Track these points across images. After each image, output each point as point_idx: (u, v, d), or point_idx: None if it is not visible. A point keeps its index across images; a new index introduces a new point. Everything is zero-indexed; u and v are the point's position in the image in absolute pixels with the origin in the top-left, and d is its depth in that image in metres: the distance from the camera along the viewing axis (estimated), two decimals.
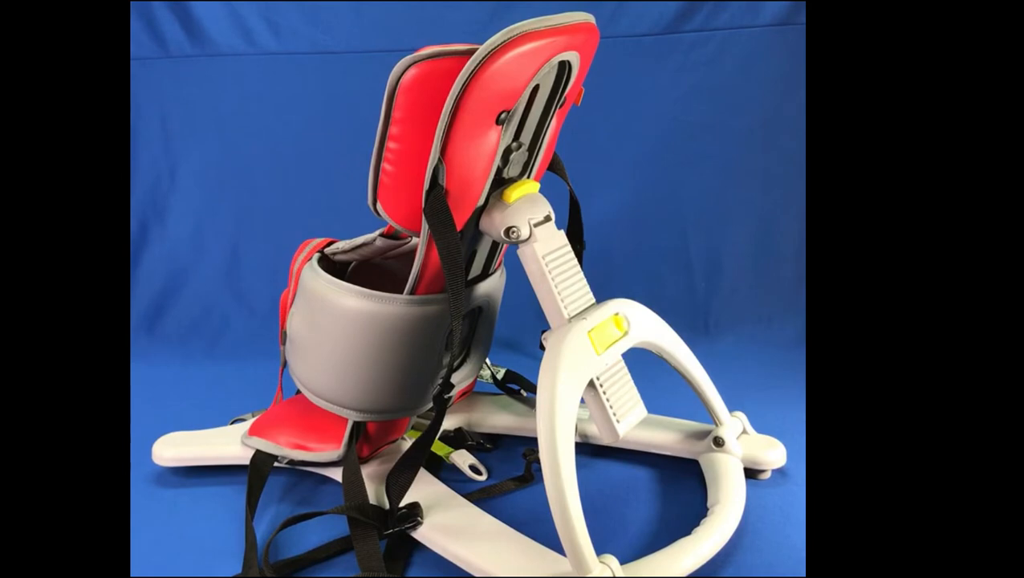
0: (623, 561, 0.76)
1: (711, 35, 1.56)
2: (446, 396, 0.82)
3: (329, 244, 0.96)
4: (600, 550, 0.74)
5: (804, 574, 0.81)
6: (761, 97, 1.59)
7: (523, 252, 0.82)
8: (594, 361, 0.80)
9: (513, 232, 0.81)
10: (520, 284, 0.88)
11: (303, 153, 1.68)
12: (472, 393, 1.16)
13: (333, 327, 0.86)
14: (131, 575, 0.82)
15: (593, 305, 0.86)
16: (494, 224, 0.81)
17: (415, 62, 0.71)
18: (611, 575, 0.72)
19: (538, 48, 0.71)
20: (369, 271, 1.00)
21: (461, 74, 0.69)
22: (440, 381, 0.82)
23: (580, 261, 0.89)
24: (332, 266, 0.95)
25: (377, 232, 0.91)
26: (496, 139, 0.76)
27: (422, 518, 0.86)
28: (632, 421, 0.84)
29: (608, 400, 0.81)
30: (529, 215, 0.81)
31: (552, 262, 0.83)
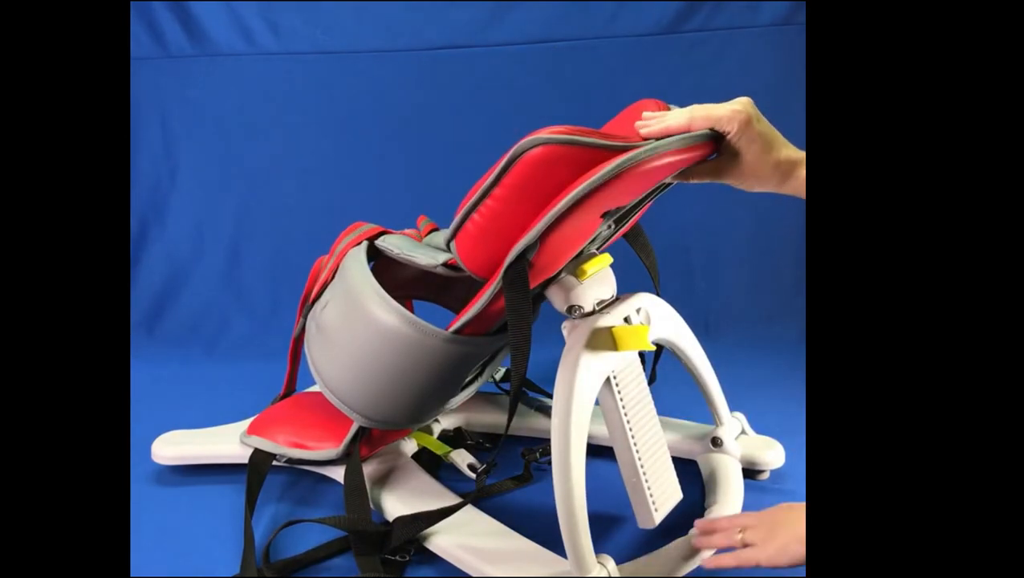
0: (620, 561, 0.76)
1: (711, 35, 1.56)
2: None
3: (381, 233, 0.93)
4: (597, 550, 0.74)
5: (803, 574, 0.81)
6: (761, 97, 1.58)
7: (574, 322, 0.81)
8: (614, 357, 0.79)
9: (576, 311, 0.80)
10: None
11: (303, 153, 1.68)
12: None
13: (369, 336, 0.84)
14: (131, 575, 0.82)
15: (616, 299, 0.85)
16: (561, 299, 0.81)
17: (546, 143, 0.67)
18: (608, 575, 0.73)
19: (672, 163, 0.69)
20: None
21: (592, 180, 0.66)
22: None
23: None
24: (372, 251, 0.93)
25: (441, 261, 0.84)
26: (595, 227, 0.76)
27: (414, 550, 0.85)
28: None
29: (622, 399, 0.81)
30: (597, 295, 0.81)
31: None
